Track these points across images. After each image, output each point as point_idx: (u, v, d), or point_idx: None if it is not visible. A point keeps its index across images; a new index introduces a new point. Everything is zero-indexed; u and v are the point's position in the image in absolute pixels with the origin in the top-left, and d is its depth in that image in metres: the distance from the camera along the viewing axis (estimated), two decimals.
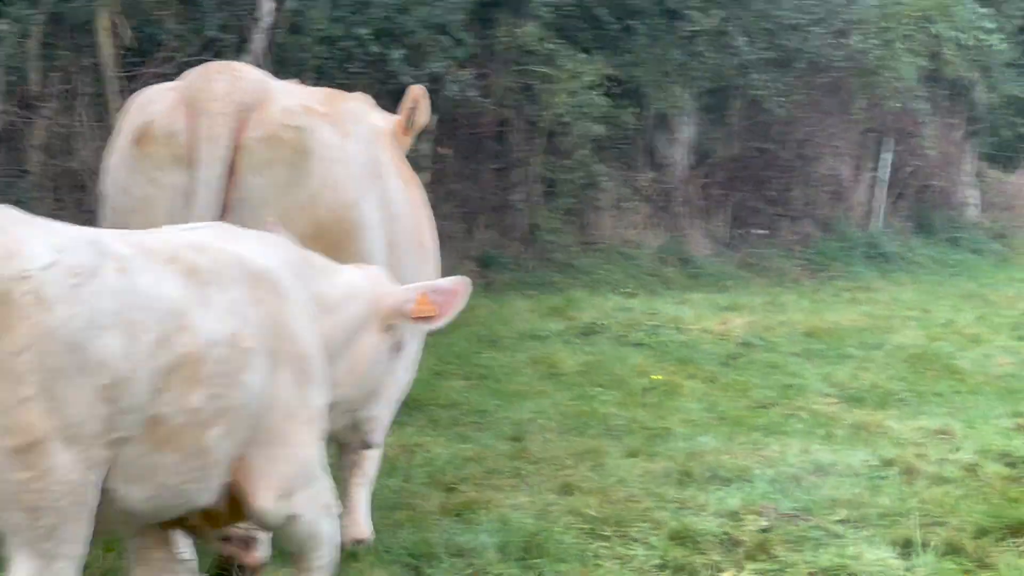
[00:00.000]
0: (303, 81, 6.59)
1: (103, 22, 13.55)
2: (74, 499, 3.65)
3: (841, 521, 6.95)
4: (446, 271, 6.04)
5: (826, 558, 6.31)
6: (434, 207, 6.72)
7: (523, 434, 8.74)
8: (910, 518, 6.80)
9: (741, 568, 6.19)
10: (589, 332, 12.99)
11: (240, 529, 5.04)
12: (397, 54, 14.66)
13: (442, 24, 15.52)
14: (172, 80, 6.02)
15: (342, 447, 5.99)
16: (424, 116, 6.47)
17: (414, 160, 17.13)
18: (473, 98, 16.57)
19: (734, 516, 6.96)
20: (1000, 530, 6.73)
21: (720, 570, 6.17)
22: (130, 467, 3.87)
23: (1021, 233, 25.47)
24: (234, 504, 4.37)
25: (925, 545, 6.42)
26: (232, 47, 13.89)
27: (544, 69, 17.56)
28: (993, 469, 8.10)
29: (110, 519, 4.00)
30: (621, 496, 7.27)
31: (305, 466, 4.41)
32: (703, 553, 6.39)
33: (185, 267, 4.06)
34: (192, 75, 5.62)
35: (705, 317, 14.04)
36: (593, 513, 6.90)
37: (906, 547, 6.47)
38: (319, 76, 13.76)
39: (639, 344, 12.54)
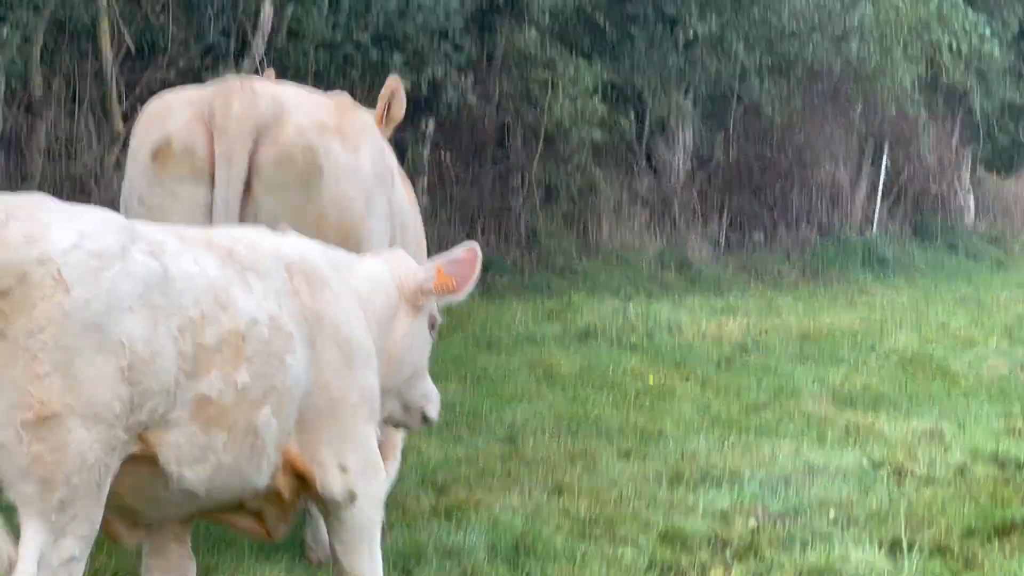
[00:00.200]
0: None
1: (105, 27, 13.61)
2: (88, 477, 3.70)
3: (830, 522, 6.98)
4: None
5: (814, 558, 6.35)
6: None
7: (517, 436, 8.77)
8: (898, 518, 6.85)
9: (729, 568, 6.21)
10: (586, 335, 13.04)
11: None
12: (397, 60, 14.70)
13: (442, 30, 15.56)
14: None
15: None
16: (400, 108, 6.51)
17: (414, 165, 17.22)
18: (473, 103, 16.63)
19: (724, 517, 7.01)
20: (987, 530, 6.77)
21: (708, 570, 6.19)
22: (183, 449, 3.95)
23: (1017, 237, 25.54)
24: (292, 487, 4.45)
25: (912, 545, 6.46)
26: (232, 53, 13.96)
27: (543, 75, 17.65)
28: (982, 470, 8.16)
29: (170, 502, 4.10)
30: (612, 497, 7.31)
31: (361, 444, 4.52)
32: (691, 553, 6.43)
33: (223, 252, 4.19)
34: (209, 91, 5.70)
35: (701, 320, 14.09)
36: (583, 514, 6.94)
37: (893, 547, 6.51)
38: (319, 82, 13.82)
39: (635, 347, 12.58)
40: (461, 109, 16.89)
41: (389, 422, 5.21)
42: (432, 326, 5.13)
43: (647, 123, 20.35)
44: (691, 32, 18.99)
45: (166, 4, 14.16)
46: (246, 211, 5.48)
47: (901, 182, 23.78)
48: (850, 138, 23.03)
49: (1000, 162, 26.21)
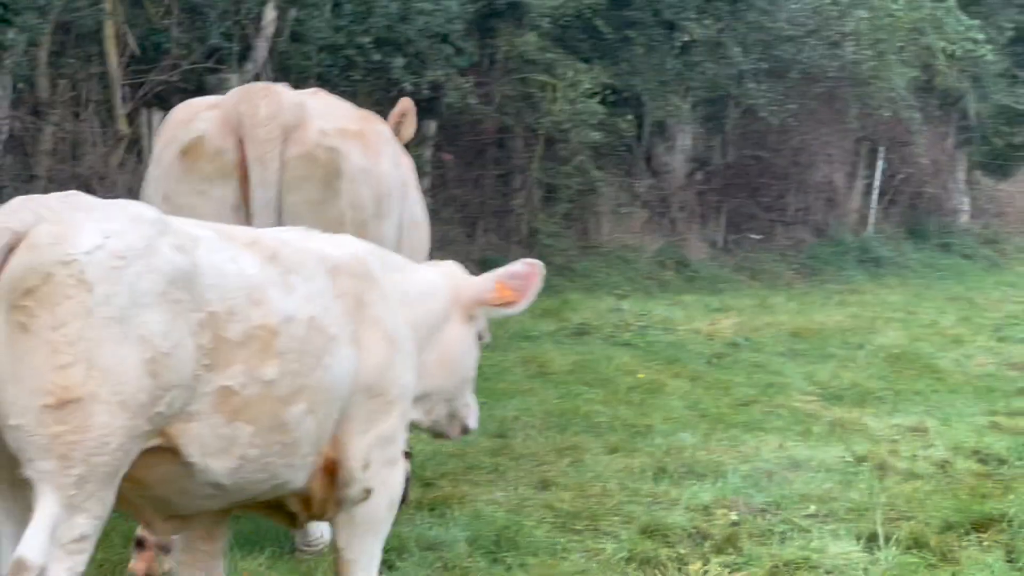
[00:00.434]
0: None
1: (110, 31, 13.79)
2: (109, 460, 3.76)
3: (809, 515, 7.06)
4: None
5: (791, 551, 6.40)
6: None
7: (506, 431, 8.84)
8: (877, 512, 6.89)
9: (707, 561, 6.24)
10: (580, 333, 13.17)
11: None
12: (398, 62, 14.82)
13: (443, 33, 15.67)
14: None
15: None
16: (411, 129, 6.75)
17: (416, 166, 17.36)
18: (474, 105, 16.80)
19: (705, 510, 7.07)
20: (965, 525, 6.84)
21: (686, 563, 6.21)
22: (206, 440, 4.00)
23: (1012, 239, 25.53)
24: (325, 485, 4.48)
25: (889, 538, 6.52)
26: (235, 56, 14.12)
27: (543, 77, 17.81)
28: (964, 465, 8.24)
29: (199, 494, 4.14)
30: (596, 491, 7.38)
31: (387, 441, 4.55)
32: (671, 546, 6.47)
33: (266, 252, 4.25)
34: (234, 97, 5.86)
35: (695, 318, 14.22)
36: (567, 507, 7.02)
37: (871, 541, 6.57)
38: (321, 84, 13.93)
39: (628, 344, 12.70)
40: (462, 111, 17.06)
41: (433, 429, 5.26)
42: (481, 338, 5.17)
43: (646, 125, 20.48)
44: (689, 36, 19.14)
45: (170, 8, 14.32)
46: None
47: (896, 184, 23.87)
48: (846, 141, 23.13)
49: (995, 165, 26.23)
